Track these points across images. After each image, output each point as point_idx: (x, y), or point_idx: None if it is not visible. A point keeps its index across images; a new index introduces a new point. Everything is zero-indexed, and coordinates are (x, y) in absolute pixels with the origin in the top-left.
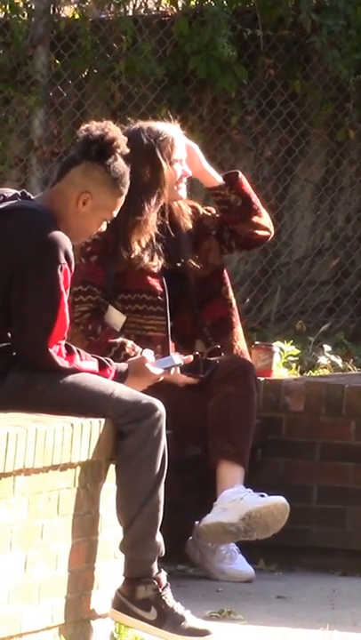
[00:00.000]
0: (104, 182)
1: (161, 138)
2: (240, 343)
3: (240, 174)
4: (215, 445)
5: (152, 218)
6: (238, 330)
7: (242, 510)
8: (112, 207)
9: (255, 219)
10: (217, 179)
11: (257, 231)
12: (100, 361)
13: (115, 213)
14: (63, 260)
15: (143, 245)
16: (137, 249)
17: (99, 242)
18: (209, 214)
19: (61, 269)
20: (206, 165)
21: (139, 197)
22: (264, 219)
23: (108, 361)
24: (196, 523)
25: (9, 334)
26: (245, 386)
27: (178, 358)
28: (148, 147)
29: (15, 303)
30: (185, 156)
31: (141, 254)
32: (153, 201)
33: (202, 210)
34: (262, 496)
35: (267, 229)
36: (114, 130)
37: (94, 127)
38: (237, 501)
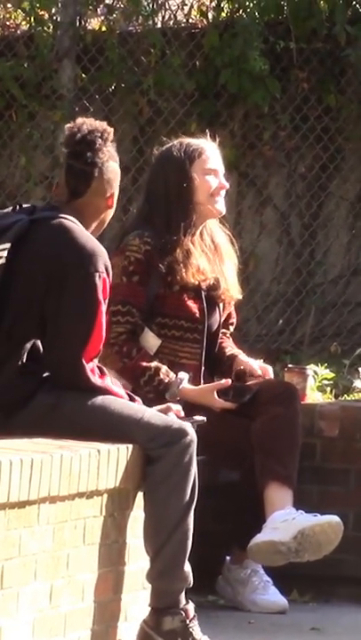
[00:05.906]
0: (116, 169)
1: (192, 149)
2: None
3: None
4: (264, 466)
5: (187, 235)
6: None
7: (294, 528)
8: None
9: None
10: None
11: None
12: (128, 395)
13: None
14: (102, 269)
15: (182, 260)
16: (178, 265)
17: (142, 262)
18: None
19: (100, 277)
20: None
21: (172, 213)
22: None
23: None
24: (228, 558)
25: (41, 350)
26: (292, 408)
27: (199, 417)
28: (177, 159)
29: (51, 311)
30: (222, 168)
31: (183, 269)
32: (186, 216)
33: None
34: (315, 515)
35: None
36: (83, 124)
37: (67, 137)
38: (289, 521)
